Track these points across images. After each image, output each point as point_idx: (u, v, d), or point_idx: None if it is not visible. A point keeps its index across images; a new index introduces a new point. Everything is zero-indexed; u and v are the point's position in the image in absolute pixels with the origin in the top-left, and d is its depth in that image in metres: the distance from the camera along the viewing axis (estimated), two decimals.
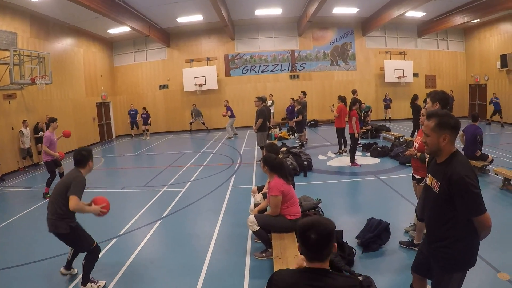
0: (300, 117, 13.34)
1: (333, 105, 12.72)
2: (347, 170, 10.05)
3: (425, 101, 5.15)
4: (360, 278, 3.97)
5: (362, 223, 5.48)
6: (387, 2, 17.17)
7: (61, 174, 9.05)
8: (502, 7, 14.73)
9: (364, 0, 17.21)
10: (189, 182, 9.60)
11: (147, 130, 19.97)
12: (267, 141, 10.22)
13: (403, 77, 20.99)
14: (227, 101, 18.74)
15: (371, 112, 18.65)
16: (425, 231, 4.83)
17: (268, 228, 4.85)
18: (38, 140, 13.18)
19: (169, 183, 9.59)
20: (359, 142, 11.11)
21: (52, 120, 8.82)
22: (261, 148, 10.48)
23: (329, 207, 6.65)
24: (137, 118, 20.18)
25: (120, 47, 21.87)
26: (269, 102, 17.95)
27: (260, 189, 6.13)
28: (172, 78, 21.73)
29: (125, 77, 22.12)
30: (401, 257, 4.81)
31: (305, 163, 9.81)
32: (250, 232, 5.49)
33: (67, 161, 12.47)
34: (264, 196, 5.52)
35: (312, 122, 20.26)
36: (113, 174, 11.96)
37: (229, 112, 17.84)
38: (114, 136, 21.62)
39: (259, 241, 5.09)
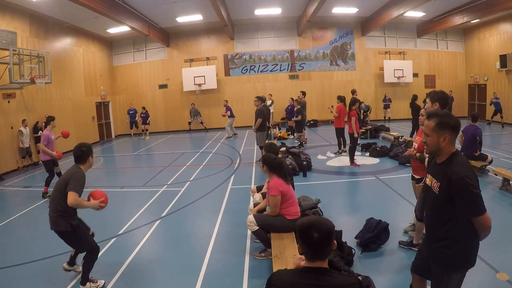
0: (300, 117, 13.34)
1: (332, 106, 12.72)
2: (347, 170, 10.06)
3: (424, 101, 5.15)
4: (359, 278, 3.96)
5: (361, 223, 5.49)
6: (387, 2, 17.17)
7: (58, 174, 9.05)
8: (502, 7, 14.74)
9: (364, 0, 17.21)
10: (188, 182, 9.59)
11: (146, 130, 19.96)
12: (267, 141, 10.21)
13: (402, 77, 21.00)
14: (227, 101, 18.73)
15: (370, 112, 18.67)
16: (424, 231, 4.85)
17: (267, 228, 4.85)
18: (38, 140, 13.16)
19: (168, 183, 9.59)
20: (358, 142, 11.11)
21: (51, 118, 8.82)
22: (261, 148, 10.48)
23: (328, 207, 6.65)
24: (136, 117, 20.17)
25: (119, 46, 21.85)
26: (269, 102, 17.98)
27: (259, 189, 6.13)
28: (171, 77, 21.72)
29: (125, 76, 22.10)
30: (400, 257, 4.82)
31: (304, 163, 9.82)
32: (249, 232, 5.49)
33: (67, 161, 12.48)
34: (263, 196, 5.53)
35: (312, 122, 20.26)
36: (113, 174, 11.96)
37: (228, 112, 17.84)
38: (113, 136, 21.61)
39: (258, 241, 5.09)
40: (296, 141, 14.17)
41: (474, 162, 8.32)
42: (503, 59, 17.95)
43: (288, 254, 4.18)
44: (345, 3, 17.67)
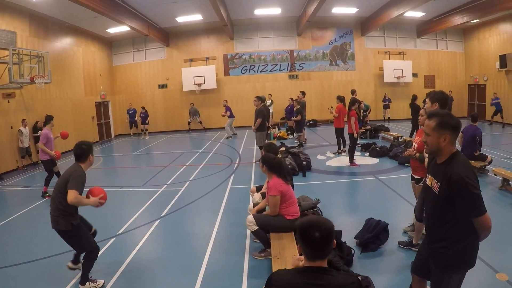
0: (299, 117, 13.34)
1: (332, 107, 12.72)
2: (346, 170, 10.06)
3: (424, 102, 5.15)
4: (358, 277, 3.96)
5: (360, 223, 5.48)
6: (386, 2, 17.17)
7: (57, 174, 9.05)
8: (502, 7, 14.75)
9: (363, 0, 17.21)
10: (188, 182, 9.59)
11: (146, 130, 19.95)
12: (266, 141, 10.21)
13: (402, 77, 21.01)
14: (226, 101, 18.73)
15: (369, 112, 18.67)
16: (424, 231, 4.85)
17: (267, 228, 4.85)
18: (37, 139, 13.12)
19: (168, 183, 9.58)
20: (358, 142, 11.11)
21: (50, 117, 8.83)
22: (260, 147, 10.48)
23: (327, 207, 6.65)
24: (136, 117, 20.16)
25: (119, 46, 21.85)
26: (268, 102, 17.97)
27: (259, 188, 6.13)
28: (171, 77, 21.72)
29: (124, 76, 22.10)
30: (400, 257, 4.82)
31: (304, 163, 9.82)
32: (248, 232, 5.49)
33: (66, 161, 12.50)
34: (263, 195, 5.53)
35: (311, 122, 20.27)
36: (112, 173, 11.95)
37: (228, 112, 17.86)
38: (113, 136, 21.60)
39: (258, 240, 5.08)
40: (295, 141, 14.16)
41: (474, 162, 8.31)
42: (502, 59, 17.96)
43: (287, 254, 4.18)
44: (344, 3, 17.67)
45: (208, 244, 5.54)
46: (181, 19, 18.53)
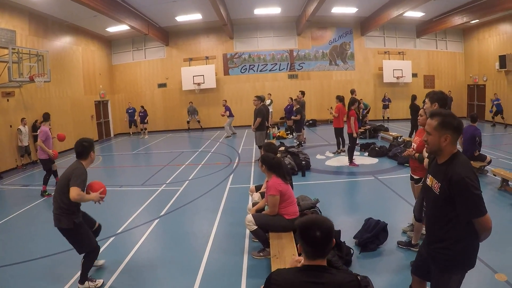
0: (299, 117, 13.34)
1: (331, 107, 12.72)
2: (345, 170, 10.06)
3: (424, 102, 5.16)
4: (358, 277, 3.97)
5: (360, 223, 5.48)
6: (386, 2, 17.17)
7: (54, 172, 9.05)
8: (501, 7, 14.76)
9: (363, 0, 17.20)
10: (187, 181, 9.59)
11: (145, 129, 19.95)
12: (265, 141, 10.21)
13: (401, 77, 21.02)
14: (226, 101, 18.74)
15: (368, 111, 18.66)
16: (423, 231, 4.85)
17: (266, 227, 4.84)
18: (37, 138, 13.13)
19: (167, 182, 9.58)
20: (357, 142, 11.12)
21: (49, 115, 8.84)
22: (260, 147, 10.49)
23: (327, 207, 6.66)
24: (135, 116, 20.15)
25: (118, 45, 21.83)
26: (268, 102, 17.97)
27: (258, 188, 6.13)
28: (170, 77, 21.71)
29: (124, 75, 22.09)
30: (399, 257, 4.82)
31: (303, 162, 9.82)
32: (247, 231, 5.50)
33: (66, 159, 12.49)
34: (262, 195, 5.53)
35: (311, 121, 20.27)
36: (111, 173, 11.94)
37: (227, 112, 17.88)
38: (112, 135, 21.59)
39: (257, 240, 5.08)
40: (295, 141, 14.17)
41: (473, 163, 8.30)
42: (502, 59, 17.96)
43: (286, 254, 4.18)
44: (344, 3, 17.66)
45: (207, 243, 5.54)
46: (181, 18, 18.52)
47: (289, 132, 16.66)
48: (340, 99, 11.53)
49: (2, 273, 4.91)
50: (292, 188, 5.17)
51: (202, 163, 11.80)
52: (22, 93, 13.55)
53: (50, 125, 8.81)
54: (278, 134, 16.14)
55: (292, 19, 20.54)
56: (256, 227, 4.76)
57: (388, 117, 21.17)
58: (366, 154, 11.70)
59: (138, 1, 15.29)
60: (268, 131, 12.27)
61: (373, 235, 5.04)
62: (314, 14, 16.42)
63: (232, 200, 7.77)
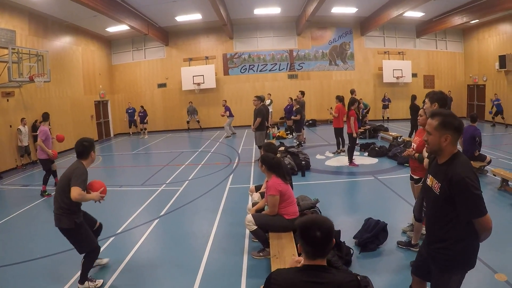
0: (298, 117, 13.34)
1: (331, 108, 12.73)
2: (345, 170, 10.06)
3: (424, 102, 5.17)
4: (358, 277, 3.97)
5: (359, 223, 5.48)
6: (386, 2, 17.16)
7: (54, 172, 9.05)
8: (501, 7, 14.76)
9: (363, 0, 17.21)
10: (187, 181, 9.59)
11: (145, 129, 19.95)
12: (265, 141, 10.21)
13: (401, 77, 21.03)
14: (225, 101, 18.74)
15: (367, 111, 18.66)
16: (423, 231, 4.85)
17: (266, 227, 4.84)
18: (36, 138, 13.13)
19: (167, 182, 9.58)
20: (357, 142, 11.12)
21: (48, 114, 8.84)
22: (259, 147, 10.48)
23: (326, 207, 6.66)
24: (135, 116, 20.15)
25: (118, 45, 21.83)
26: (268, 102, 17.98)
27: (258, 188, 6.13)
28: (170, 77, 21.71)
29: (124, 75, 22.08)
30: (399, 257, 4.82)
31: (303, 162, 9.82)
32: (247, 231, 5.50)
33: (65, 160, 12.49)
34: (262, 195, 5.53)
35: (310, 121, 20.27)
36: (111, 173, 11.94)
37: (227, 112, 17.88)
38: (112, 135, 21.59)
39: (257, 240, 5.08)
40: (294, 141, 14.18)
41: (473, 163, 8.30)
42: (502, 59, 17.97)
43: (286, 254, 4.18)
44: (344, 3, 17.66)
45: (207, 243, 5.54)
46: (181, 18, 18.52)
47: (289, 132, 16.66)
48: (340, 99, 11.53)
49: (2, 273, 4.91)
50: (292, 188, 5.16)
51: (202, 163, 11.80)
52: (22, 93, 13.55)
53: (49, 125, 8.81)
54: (278, 134, 16.14)
55: (292, 19, 20.54)
56: (256, 227, 4.76)
57: (388, 117, 21.17)
58: (366, 154, 11.70)
59: (138, 1, 15.28)
60: (268, 131, 12.27)
61: (373, 235, 5.04)
62: (314, 14, 16.43)
63: (232, 200, 7.76)
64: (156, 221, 6.72)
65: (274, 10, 18.64)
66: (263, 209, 5.18)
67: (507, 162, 9.81)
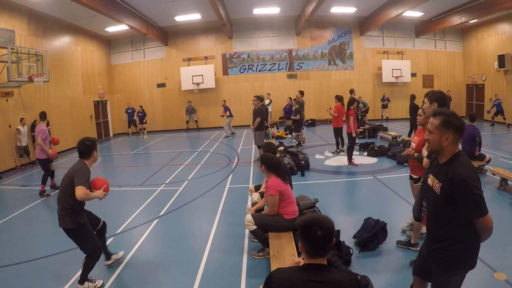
0: (298, 116, 13.34)
1: (330, 108, 12.73)
2: (345, 170, 10.06)
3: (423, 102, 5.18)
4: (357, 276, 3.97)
5: (359, 222, 5.49)
6: (385, 2, 17.17)
7: (52, 173, 9.04)
8: (500, 7, 14.77)
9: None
10: (186, 181, 9.58)
11: (144, 129, 19.95)
12: (265, 140, 10.21)
13: (400, 76, 21.03)
14: (225, 101, 18.70)
15: (367, 111, 18.67)
16: (422, 231, 4.86)
17: (265, 227, 4.84)
18: (35, 138, 13.14)
19: (166, 182, 9.58)
20: (356, 142, 11.12)
21: (46, 114, 8.85)
22: (259, 147, 10.48)
23: (326, 207, 6.66)
24: (134, 116, 20.14)
25: (117, 45, 21.81)
26: (267, 101, 17.98)
27: (257, 188, 6.13)
28: (169, 76, 21.69)
29: (123, 75, 22.06)
30: (398, 256, 4.82)
31: (303, 162, 9.82)
32: (247, 231, 5.50)
33: (64, 160, 12.47)
34: (261, 195, 5.53)
35: (310, 121, 20.26)
36: (110, 173, 11.91)
37: (227, 112, 17.87)
38: (111, 135, 21.57)
39: (256, 240, 5.08)
40: (294, 141, 14.18)
41: (472, 162, 8.28)
42: (501, 59, 18.00)
43: (286, 254, 4.18)
44: (343, 2, 17.66)
45: (207, 243, 5.54)
46: (180, 18, 18.51)
47: (288, 132, 16.66)
48: (339, 98, 11.54)
49: (1, 274, 4.90)
50: (292, 188, 5.17)
51: (201, 163, 11.79)
52: (21, 93, 13.53)
53: (48, 125, 8.79)
54: (277, 134, 16.14)
55: (291, 19, 20.54)
56: (255, 227, 4.76)
57: (387, 117, 21.17)
58: (365, 153, 11.71)
59: (137, 1, 15.27)
60: (267, 131, 12.27)
61: (372, 234, 5.04)
62: (313, 14, 16.43)
63: (231, 200, 7.76)
64: (155, 221, 6.71)
65: (273, 10, 18.63)
66: (262, 209, 5.18)
67: (506, 161, 9.82)
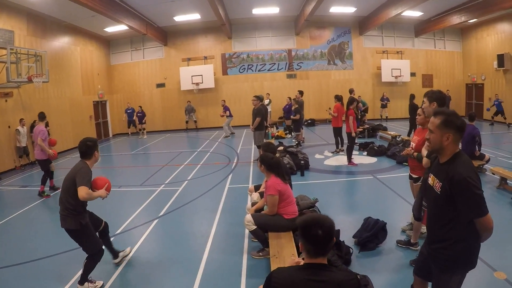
0: (297, 116, 13.34)
1: (330, 108, 12.73)
2: (344, 169, 10.07)
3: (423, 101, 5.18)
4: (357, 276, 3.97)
5: (359, 222, 5.49)
6: (385, 2, 17.17)
7: (51, 174, 9.03)
8: (499, 7, 14.78)
9: None
10: (186, 181, 9.58)
11: (144, 129, 19.94)
12: (264, 140, 10.21)
13: (400, 76, 21.04)
14: (224, 101, 18.70)
15: (366, 110, 18.66)
16: (422, 230, 4.86)
17: (265, 227, 4.84)
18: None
19: (166, 182, 9.57)
20: (356, 141, 11.13)
21: (44, 114, 8.84)
22: (258, 147, 10.48)
23: (326, 207, 6.66)
24: (134, 116, 20.14)
25: (117, 45, 21.80)
26: (266, 101, 17.99)
27: (257, 188, 6.14)
28: (169, 76, 21.69)
29: (122, 75, 22.05)
30: (398, 256, 4.83)
31: (302, 162, 9.82)
32: (247, 231, 5.50)
33: (64, 160, 12.47)
34: (261, 195, 5.53)
35: (309, 121, 20.26)
36: (110, 173, 11.89)
37: (227, 112, 17.87)
38: (111, 135, 21.55)
39: (256, 240, 5.08)
40: (293, 140, 14.18)
41: (472, 161, 8.28)
42: (500, 58, 18.01)
43: (286, 254, 4.18)
44: (343, 2, 17.67)
45: (207, 243, 5.54)
46: (179, 18, 18.50)
47: (287, 131, 16.66)
48: (338, 98, 11.54)
49: (1, 274, 4.90)
50: (291, 188, 5.17)
51: (201, 163, 11.79)
52: (21, 94, 13.52)
53: (48, 125, 8.78)
54: (276, 133, 16.14)
55: (290, 18, 20.54)
56: (255, 227, 4.76)
57: (386, 117, 21.17)
58: (365, 153, 11.72)
59: (137, 1, 15.26)
60: (267, 131, 12.27)
61: (372, 234, 5.04)
62: (312, 13, 16.44)
63: (231, 200, 7.76)
64: (155, 221, 6.71)
65: (272, 10, 18.63)
66: (262, 209, 5.18)
67: (506, 160, 9.83)
